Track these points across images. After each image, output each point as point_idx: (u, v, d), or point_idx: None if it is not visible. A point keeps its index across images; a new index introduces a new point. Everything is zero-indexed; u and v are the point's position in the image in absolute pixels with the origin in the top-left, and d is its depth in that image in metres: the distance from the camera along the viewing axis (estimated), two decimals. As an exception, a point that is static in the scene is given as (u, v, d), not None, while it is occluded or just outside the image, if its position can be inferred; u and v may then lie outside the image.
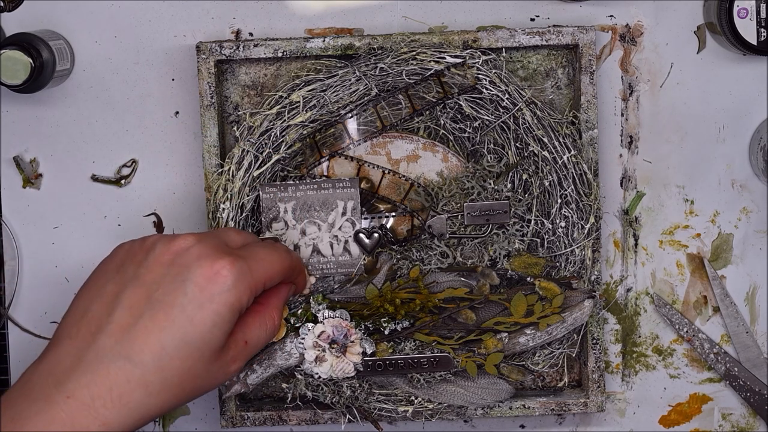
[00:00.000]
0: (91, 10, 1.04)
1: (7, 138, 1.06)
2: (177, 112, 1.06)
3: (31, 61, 0.98)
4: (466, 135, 1.03)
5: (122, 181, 1.06)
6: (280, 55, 1.02)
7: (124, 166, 1.07)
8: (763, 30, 1.00)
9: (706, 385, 1.08)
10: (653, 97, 1.06)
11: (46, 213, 1.07)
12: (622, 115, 1.06)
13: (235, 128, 1.04)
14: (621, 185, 1.07)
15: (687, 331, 1.08)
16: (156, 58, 1.05)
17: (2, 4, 1.04)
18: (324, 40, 1.01)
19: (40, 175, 1.06)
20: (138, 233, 1.06)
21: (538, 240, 1.03)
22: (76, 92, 1.05)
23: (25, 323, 1.07)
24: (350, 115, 1.02)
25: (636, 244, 1.07)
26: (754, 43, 1.00)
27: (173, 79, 1.05)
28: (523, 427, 1.09)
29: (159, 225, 1.07)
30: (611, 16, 1.05)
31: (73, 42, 1.05)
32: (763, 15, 1.00)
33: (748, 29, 1.00)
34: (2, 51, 0.98)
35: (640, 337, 1.08)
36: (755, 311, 1.08)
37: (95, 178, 1.07)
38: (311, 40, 1.01)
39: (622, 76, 1.05)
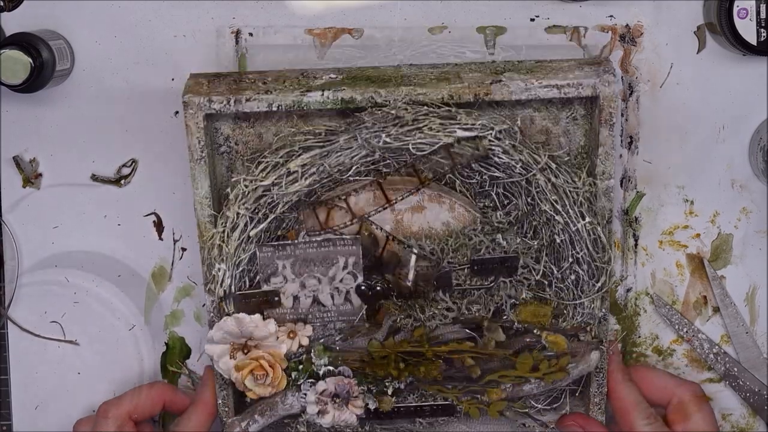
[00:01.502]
0: (91, 10, 1.04)
1: (7, 138, 1.06)
2: (177, 112, 1.06)
3: (31, 61, 0.98)
4: (475, 181, 1.00)
5: (122, 181, 1.06)
6: (274, 109, 0.96)
7: (124, 166, 1.06)
8: (763, 30, 1.00)
9: (706, 385, 1.08)
10: (653, 97, 1.06)
11: (46, 213, 1.07)
12: (622, 115, 1.06)
13: (225, 157, 1.01)
14: (621, 185, 1.07)
15: (687, 332, 1.08)
16: (156, 58, 1.05)
17: (2, 4, 1.04)
18: (323, 94, 0.96)
19: (40, 175, 1.06)
20: (138, 233, 1.07)
21: (546, 282, 1.00)
22: (76, 92, 1.05)
23: (25, 323, 1.07)
24: (352, 193, 0.98)
25: (636, 245, 1.07)
26: (754, 43, 1.00)
27: (173, 79, 1.05)
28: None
29: (159, 225, 1.07)
30: (611, 16, 1.05)
31: (73, 42, 1.05)
32: (763, 15, 1.00)
33: (748, 29, 1.00)
34: (2, 51, 0.98)
35: (640, 337, 1.08)
36: (755, 311, 1.08)
37: (95, 178, 1.07)
38: (308, 94, 0.96)
39: (622, 77, 1.05)
